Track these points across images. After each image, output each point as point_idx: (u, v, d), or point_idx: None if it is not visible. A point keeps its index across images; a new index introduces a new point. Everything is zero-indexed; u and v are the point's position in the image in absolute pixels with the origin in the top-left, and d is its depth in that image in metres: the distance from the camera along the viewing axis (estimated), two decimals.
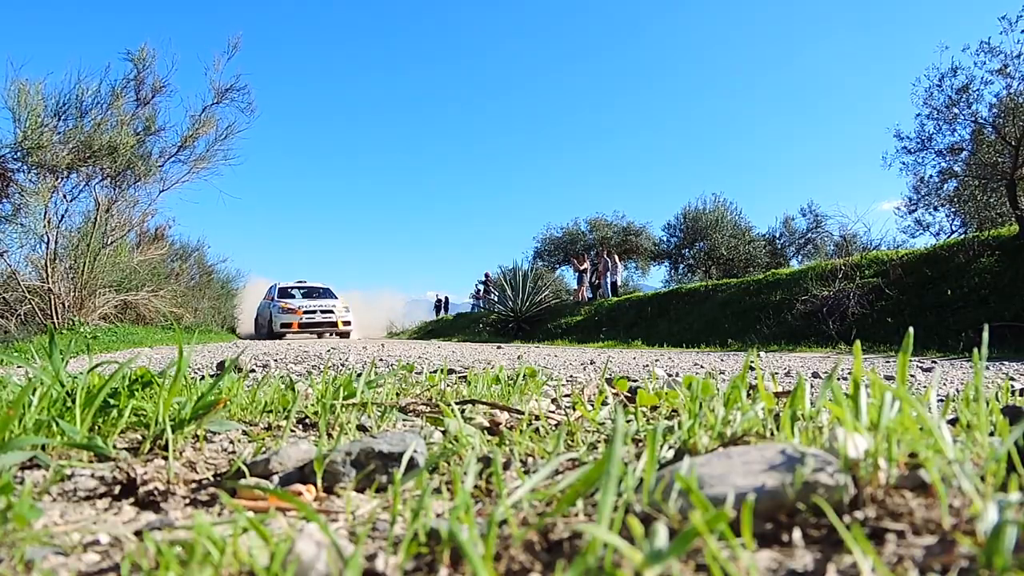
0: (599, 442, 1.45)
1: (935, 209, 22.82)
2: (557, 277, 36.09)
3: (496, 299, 29.03)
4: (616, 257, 28.97)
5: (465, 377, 3.14)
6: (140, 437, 1.50)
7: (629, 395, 2.31)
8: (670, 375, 5.59)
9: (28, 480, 1.19)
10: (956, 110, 19.33)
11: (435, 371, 3.14)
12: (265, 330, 24.20)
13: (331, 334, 23.92)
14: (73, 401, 1.40)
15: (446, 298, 40.65)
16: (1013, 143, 17.27)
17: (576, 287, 30.31)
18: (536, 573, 0.72)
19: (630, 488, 0.84)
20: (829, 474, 0.80)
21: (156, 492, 1.09)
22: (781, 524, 0.78)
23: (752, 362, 1.40)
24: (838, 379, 1.18)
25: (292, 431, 1.75)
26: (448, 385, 2.73)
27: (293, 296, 25.52)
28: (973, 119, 19.11)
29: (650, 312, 22.43)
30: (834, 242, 29.78)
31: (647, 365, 7.54)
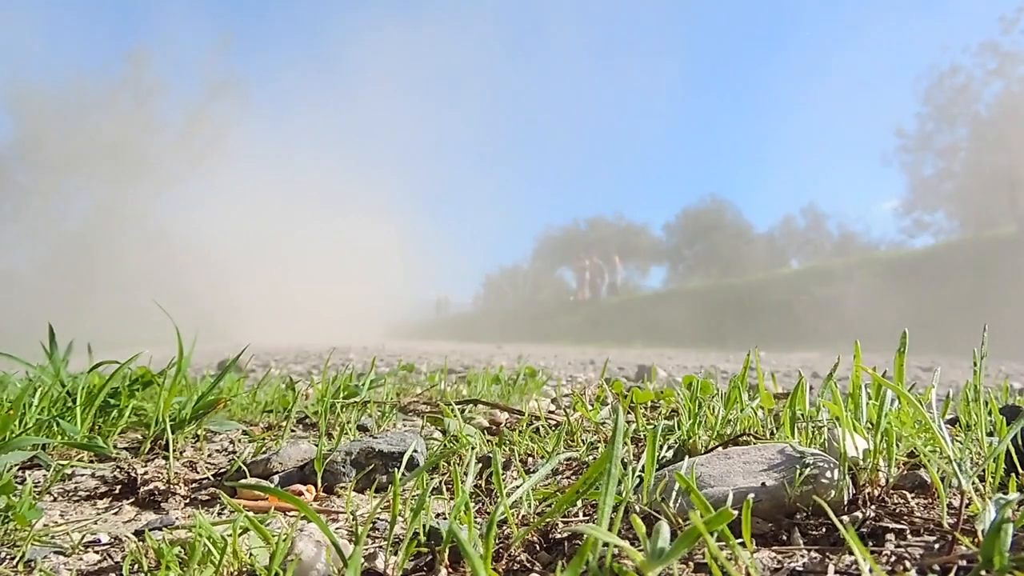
0: (599, 442, 1.45)
1: (934, 209, 22.84)
2: (557, 277, 36.14)
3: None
4: (616, 258, 28.99)
5: (465, 377, 3.14)
6: (140, 437, 1.50)
7: (628, 395, 2.31)
8: (670, 375, 5.60)
9: (29, 480, 1.19)
10: (956, 110, 19.35)
11: (435, 371, 3.14)
12: None
13: None
14: (74, 401, 1.40)
15: (446, 298, 40.68)
16: (1012, 142, 17.28)
17: (576, 287, 30.33)
18: (536, 573, 0.72)
19: (630, 488, 0.84)
20: (828, 474, 0.80)
21: (156, 492, 1.09)
22: (781, 524, 0.78)
23: (752, 362, 1.40)
24: (837, 379, 1.17)
25: (292, 431, 1.76)
26: (448, 385, 2.73)
27: None
28: (973, 118, 19.12)
29: (650, 312, 22.45)
30: (834, 242, 29.81)
31: (647, 365, 7.54)
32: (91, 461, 1.30)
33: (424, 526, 0.78)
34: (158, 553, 0.72)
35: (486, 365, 5.92)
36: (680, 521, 0.77)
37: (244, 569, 0.72)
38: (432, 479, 1.19)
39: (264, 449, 1.36)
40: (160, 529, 0.93)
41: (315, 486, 1.14)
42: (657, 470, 0.93)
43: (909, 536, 0.72)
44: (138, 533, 0.92)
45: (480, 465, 1.20)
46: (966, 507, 0.75)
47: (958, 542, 0.68)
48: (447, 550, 0.73)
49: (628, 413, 1.84)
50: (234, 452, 1.47)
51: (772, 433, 1.16)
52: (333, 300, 34.31)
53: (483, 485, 1.13)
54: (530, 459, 1.33)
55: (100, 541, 0.88)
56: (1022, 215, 16.24)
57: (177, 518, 1.01)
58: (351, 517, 0.99)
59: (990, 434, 1.15)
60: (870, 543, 0.72)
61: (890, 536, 0.72)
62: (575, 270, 30.04)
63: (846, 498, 0.80)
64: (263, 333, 24.51)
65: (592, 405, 2.08)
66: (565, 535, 0.78)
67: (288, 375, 3.67)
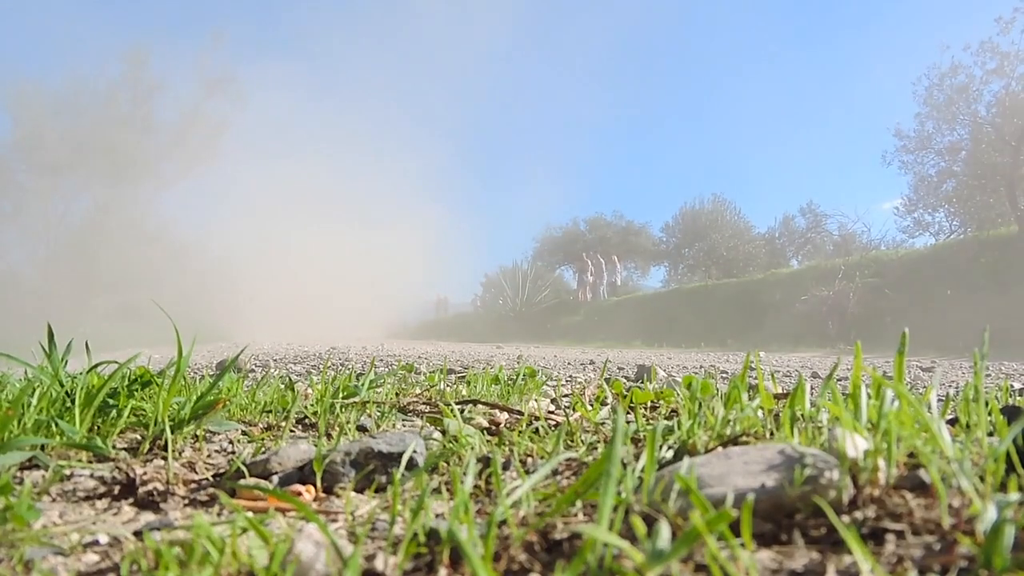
0: (599, 442, 1.45)
1: (934, 209, 22.83)
2: (557, 277, 36.12)
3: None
4: (615, 257, 28.98)
5: (465, 377, 3.14)
6: (139, 437, 1.50)
7: (628, 395, 2.31)
8: (670, 375, 5.60)
9: (28, 480, 1.19)
10: (955, 109, 19.35)
11: (435, 371, 3.14)
12: None
13: None
14: (72, 401, 1.40)
15: (446, 298, 40.67)
16: (1012, 142, 17.27)
17: (576, 287, 30.31)
18: (536, 573, 0.72)
19: (629, 488, 0.84)
20: (828, 474, 0.80)
21: (155, 492, 1.09)
22: (781, 524, 0.78)
23: (752, 362, 1.40)
24: (837, 379, 1.17)
25: (291, 431, 1.75)
26: (448, 385, 2.73)
27: None
28: (972, 118, 19.13)
29: (650, 312, 22.44)
30: (834, 242, 29.78)
31: (647, 365, 7.54)
32: (90, 461, 1.30)
33: (423, 526, 0.78)
34: (157, 554, 0.72)
35: (486, 365, 5.92)
36: (680, 521, 0.76)
37: (243, 569, 0.72)
38: (431, 479, 1.19)
39: (263, 449, 1.35)
40: (159, 529, 0.92)
41: (314, 486, 1.14)
42: (657, 470, 0.93)
43: (909, 536, 0.72)
44: (137, 533, 0.92)
45: (479, 465, 1.20)
46: (966, 507, 0.75)
47: (958, 542, 0.68)
48: (447, 550, 0.73)
49: (628, 413, 1.84)
50: (233, 452, 1.47)
51: (772, 433, 1.16)
52: (332, 300, 34.24)
53: (483, 485, 1.13)
54: (529, 459, 1.33)
55: (99, 542, 0.88)
56: (1022, 215, 16.24)
57: (176, 518, 1.00)
58: (350, 517, 0.99)
59: (990, 434, 1.15)
60: (870, 543, 0.72)
61: (890, 536, 0.72)
62: (575, 270, 30.00)
63: (846, 498, 0.80)
64: (262, 333, 24.52)
65: (592, 405, 2.08)
66: (565, 535, 0.78)
67: (287, 375, 3.67)
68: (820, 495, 0.79)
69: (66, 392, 1.45)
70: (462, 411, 1.91)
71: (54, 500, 1.10)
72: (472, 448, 1.38)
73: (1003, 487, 0.82)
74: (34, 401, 1.38)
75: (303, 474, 1.21)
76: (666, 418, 1.76)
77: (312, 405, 1.93)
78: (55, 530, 0.92)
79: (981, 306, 13.22)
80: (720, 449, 1.07)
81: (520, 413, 1.86)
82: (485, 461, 1.23)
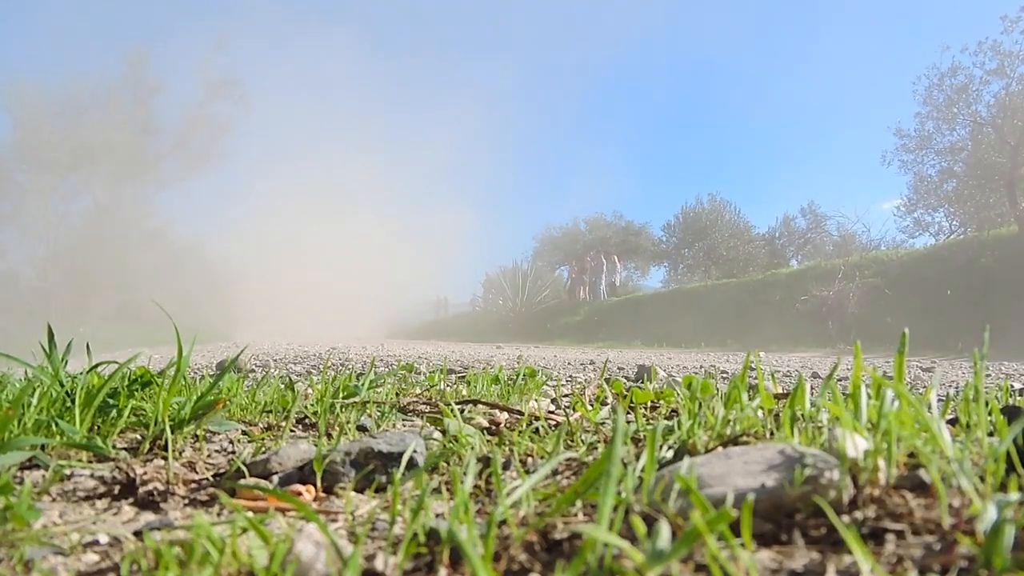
0: (599, 442, 1.45)
1: (934, 209, 22.83)
2: (557, 277, 36.12)
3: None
4: (615, 257, 28.97)
5: (465, 377, 3.14)
6: (139, 437, 1.50)
7: (628, 395, 2.31)
8: (670, 375, 5.60)
9: (28, 480, 1.19)
10: (955, 109, 19.35)
11: (435, 371, 3.14)
12: None
13: None
14: (72, 401, 1.40)
15: (446, 298, 40.68)
16: (1011, 142, 17.27)
17: (569, 284, 30.32)
18: (536, 573, 0.72)
19: (629, 488, 0.84)
20: (828, 474, 0.80)
21: (155, 492, 1.09)
22: (781, 524, 0.78)
23: (752, 362, 1.40)
24: (837, 379, 1.17)
25: (292, 431, 1.75)
26: (448, 385, 2.73)
27: None
28: (972, 119, 19.13)
29: (650, 312, 22.43)
30: (834, 242, 29.80)
31: (647, 365, 7.53)
32: (90, 461, 1.30)
33: (423, 526, 0.78)
34: (157, 553, 0.72)
35: (485, 365, 5.92)
36: (680, 521, 0.76)
37: (243, 569, 0.72)
38: (432, 479, 1.19)
39: (263, 449, 1.35)
40: (159, 529, 0.92)
41: (314, 486, 1.14)
42: (657, 470, 0.93)
43: (909, 536, 0.72)
44: (137, 533, 0.92)
45: (480, 465, 1.20)
46: (966, 507, 0.75)
47: (958, 542, 0.68)
48: (447, 550, 0.73)
49: (628, 413, 1.84)
50: (233, 452, 1.47)
51: (772, 433, 1.16)
52: (333, 301, 34.26)
53: (483, 485, 1.13)
54: (530, 459, 1.33)
55: (99, 541, 0.88)
56: (1022, 215, 16.24)
57: (176, 518, 1.00)
58: (350, 517, 0.99)
59: (990, 434, 1.15)
60: (870, 543, 0.72)
61: (890, 536, 0.72)
62: (575, 270, 29.99)
63: (846, 498, 0.80)
64: (263, 334, 24.52)
65: (592, 405, 2.08)
66: (565, 535, 0.78)
67: (287, 375, 3.67)
68: (820, 495, 0.79)
69: (66, 392, 1.45)
70: (462, 411, 1.91)
71: (54, 500, 1.10)
72: (472, 448, 1.38)
73: (1003, 487, 0.82)
74: (34, 401, 1.38)
75: (303, 474, 1.21)
76: (666, 418, 1.76)
77: (312, 405, 1.93)
78: (55, 530, 0.92)
79: (981, 306, 13.21)
80: (720, 449, 1.07)
81: (520, 413, 1.86)
82: (485, 461, 1.23)
